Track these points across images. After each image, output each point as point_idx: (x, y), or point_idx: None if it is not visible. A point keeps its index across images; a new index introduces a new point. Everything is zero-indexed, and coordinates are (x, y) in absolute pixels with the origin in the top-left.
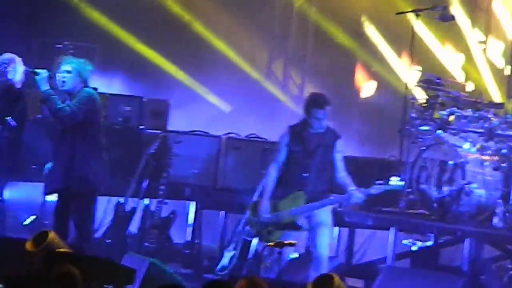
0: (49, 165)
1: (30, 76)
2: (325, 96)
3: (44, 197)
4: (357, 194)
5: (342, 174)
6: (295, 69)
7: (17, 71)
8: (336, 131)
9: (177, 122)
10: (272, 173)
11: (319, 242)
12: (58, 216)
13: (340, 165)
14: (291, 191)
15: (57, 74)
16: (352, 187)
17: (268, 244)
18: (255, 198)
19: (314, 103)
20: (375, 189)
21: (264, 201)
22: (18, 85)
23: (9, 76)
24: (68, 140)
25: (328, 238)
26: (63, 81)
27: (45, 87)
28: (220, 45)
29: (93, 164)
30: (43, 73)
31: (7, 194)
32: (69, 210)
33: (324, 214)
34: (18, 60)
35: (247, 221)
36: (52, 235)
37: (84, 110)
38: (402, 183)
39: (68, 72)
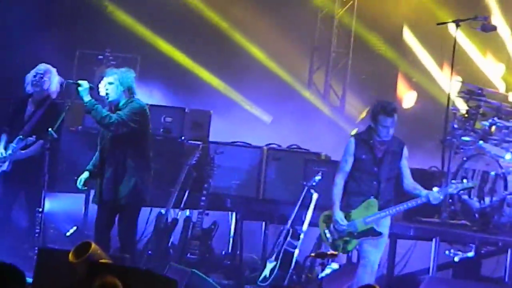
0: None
1: (67, 87)
2: (393, 104)
3: (86, 208)
4: (434, 195)
5: (410, 181)
6: (336, 79)
7: (53, 82)
8: (401, 139)
9: (216, 132)
10: (340, 183)
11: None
12: (101, 227)
13: (407, 172)
14: (361, 199)
15: (99, 86)
16: (424, 191)
17: (310, 255)
18: (296, 209)
19: (383, 110)
20: (452, 188)
21: (338, 211)
22: (54, 95)
23: (45, 87)
24: (119, 151)
25: (381, 252)
26: (107, 93)
27: (87, 97)
28: (260, 55)
29: (144, 175)
30: (84, 84)
31: (47, 205)
32: (113, 221)
33: (384, 227)
34: (53, 70)
35: (319, 234)
36: (94, 246)
37: (134, 120)
38: (476, 183)
39: (110, 83)
